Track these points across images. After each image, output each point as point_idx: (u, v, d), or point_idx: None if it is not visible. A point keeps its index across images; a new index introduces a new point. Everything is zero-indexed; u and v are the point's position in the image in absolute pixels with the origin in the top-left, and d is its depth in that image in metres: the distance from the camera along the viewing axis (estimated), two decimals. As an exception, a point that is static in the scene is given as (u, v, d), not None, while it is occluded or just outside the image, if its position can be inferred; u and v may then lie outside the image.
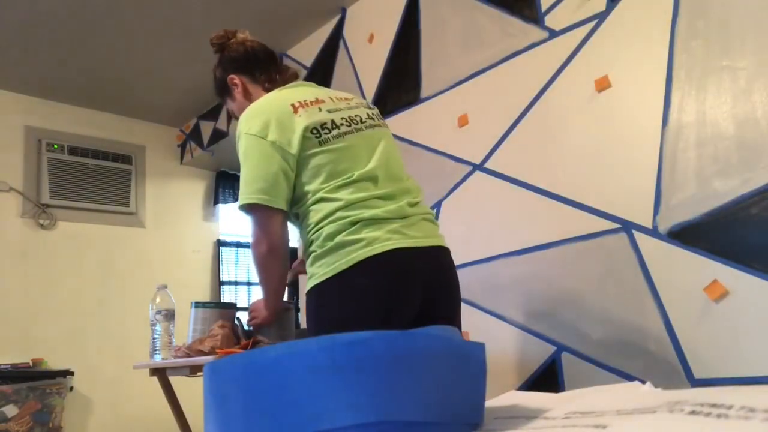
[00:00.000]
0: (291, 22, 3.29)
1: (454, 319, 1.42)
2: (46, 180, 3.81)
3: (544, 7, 2.23)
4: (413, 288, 1.28)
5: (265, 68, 1.65)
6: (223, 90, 1.81)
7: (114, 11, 3.03)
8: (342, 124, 1.38)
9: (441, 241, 1.40)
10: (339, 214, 1.29)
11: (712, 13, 1.75)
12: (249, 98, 1.63)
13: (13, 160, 3.76)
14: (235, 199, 4.86)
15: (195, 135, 4.47)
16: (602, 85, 2.03)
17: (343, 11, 3.20)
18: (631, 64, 1.96)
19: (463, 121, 2.49)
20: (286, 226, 1.41)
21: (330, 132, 1.34)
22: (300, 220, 1.40)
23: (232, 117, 1.80)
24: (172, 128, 4.64)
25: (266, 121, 1.34)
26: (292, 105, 1.38)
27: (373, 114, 1.49)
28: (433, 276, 1.34)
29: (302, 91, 1.46)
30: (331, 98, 1.45)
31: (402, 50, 2.82)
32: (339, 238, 1.27)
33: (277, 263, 1.43)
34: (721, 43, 1.72)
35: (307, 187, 1.34)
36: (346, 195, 1.30)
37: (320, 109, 1.38)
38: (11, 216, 3.70)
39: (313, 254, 1.32)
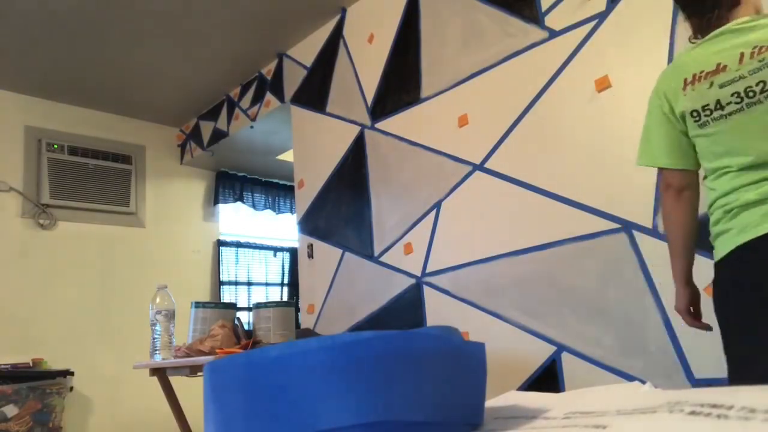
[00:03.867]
0: (291, 22, 3.29)
1: None
2: (46, 180, 3.81)
3: (544, 7, 2.23)
4: None
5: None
6: None
7: (114, 11, 3.03)
8: (729, 104, 1.24)
9: None
10: (719, 202, 1.28)
11: (712, 13, 1.75)
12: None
13: (13, 160, 3.76)
14: (235, 199, 4.87)
15: (195, 135, 4.47)
16: (602, 85, 2.03)
17: (343, 11, 3.21)
18: (631, 64, 1.96)
19: (463, 121, 2.49)
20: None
21: (712, 114, 1.26)
22: None
23: None
24: (172, 128, 4.65)
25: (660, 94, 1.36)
26: (684, 79, 1.30)
27: None
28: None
29: (714, 46, 1.29)
30: (741, 56, 1.24)
31: (402, 50, 2.82)
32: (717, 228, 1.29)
33: None
34: (721, 43, 1.71)
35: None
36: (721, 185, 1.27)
37: (711, 84, 1.26)
38: (11, 216, 3.70)
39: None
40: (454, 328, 0.46)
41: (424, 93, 2.69)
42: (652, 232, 1.84)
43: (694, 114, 1.28)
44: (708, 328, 1.43)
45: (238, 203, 4.93)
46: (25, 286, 3.65)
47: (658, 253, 1.82)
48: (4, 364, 3.35)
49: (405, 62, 2.80)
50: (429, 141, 2.63)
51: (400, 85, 2.81)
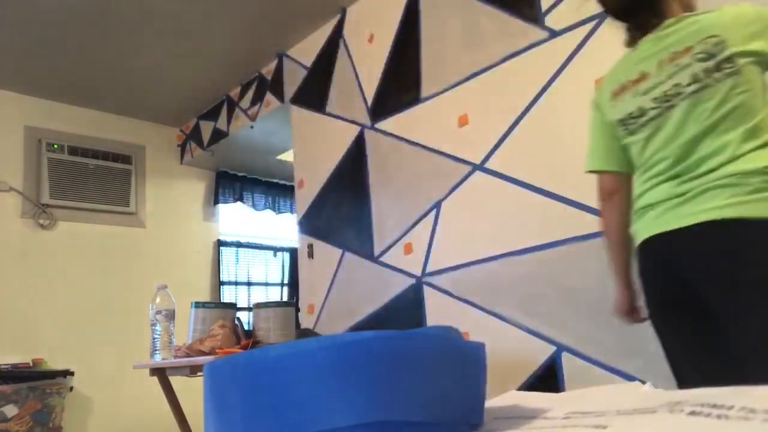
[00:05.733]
0: (291, 22, 3.29)
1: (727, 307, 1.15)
2: (46, 180, 3.81)
3: (544, 7, 2.23)
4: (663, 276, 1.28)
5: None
6: None
7: (114, 11, 3.03)
8: (651, 109, 1.27)
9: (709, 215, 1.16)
10: (636, 202, 1.35)
11: (712, 13, 1.75)
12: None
13: (13, 160, 3.76)
14: (235, 199, 4.87)
15: (195, 135, 4.47)
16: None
17: (343, 11, 3.21)
18: (631, 64, 1.95)
19: (463, 121, 2.49)
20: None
21: (637, 121, 1.30)
22: None
23: None
24: (172, 128, 4.65)
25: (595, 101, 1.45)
26: (612, 90, 1.36)
27: (703, 70, 1.19)
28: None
29: (641, 53, 1.31)
30: (660, 63, 1.26)
31: (402, 50, 2.82)
32: None
33: None
34: (721, 43, 1.71)
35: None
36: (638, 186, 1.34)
37: (635, 93, 1.30)
38: (11, 216, 3.70)
39: None
40: (455, 328, 0.46)
41: (424, 93, 2.69)
42: (652, 232, 1.84)
43: (622, 123, 1.33)
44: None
45: (238, 203, 4.93)
46: (25, 286, 3.65)
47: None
48: (4, 364, 3.35)
49: (405, 62, 2.80)
50: (429, 141, 2.63)
51: (400, 85, 2.81)
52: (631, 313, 1.46)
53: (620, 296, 1.46)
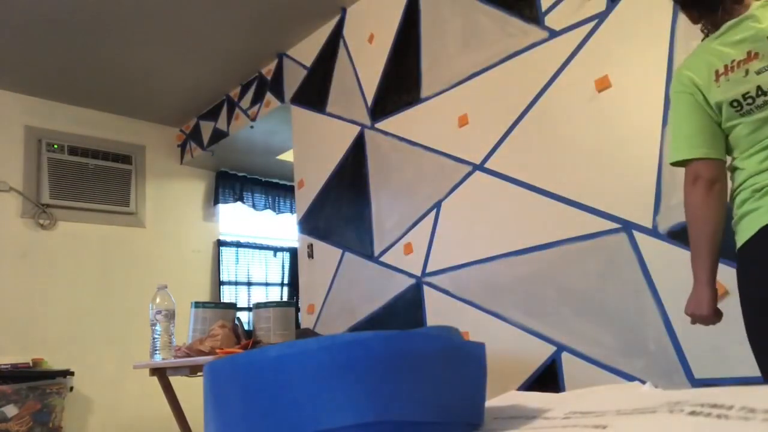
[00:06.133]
0: (291, 22, 3.29)
1: None
2: (46, 180, 3.81)
3: (544, 7, 2.23)
4: None
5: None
6: None
7: (114, 11, 3.03)
8: None
9: None
10: (747, 182, 1.24)
11: (712, 13, 1.74)
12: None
13: (13, 160, 3.76)
14: (235, 199, 4.87)
15: (195, 135, 4.47)
16: (602, 85, 2.03)
17: (343, 11, 3.21)
18: (631, 64, 1.96)
19: (463, 121, 2.49)
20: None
21: (755, 101, 1.22)
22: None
23: None
24: (172, 128, 4.65)
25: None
26: (716, 71, 1.26)
27: None
28: None
29: (736, 35, 1.26)
30: None
31: (402, 50, 2.82)
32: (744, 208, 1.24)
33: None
34: (721, 43, 1.71)
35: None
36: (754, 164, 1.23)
37: (747, 72, 1.23)
38: (11, 216, 3.70)
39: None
40: (454, 328, 0.46)
41: (424, 93, 2.69)
42: (652, 232, 1.84)
43: (735, 104, 1.24)
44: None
45: (238, 203, 4.93)
46: (25, 286, 3.65)
47: (658, 253, 1.82)
48: (4, 364, 3.35)
49: (405, 62, 2.80)
50: (429, 141, 2.63)
51: (400, 85, 2.81)
52: (717, 315, 1.32)
53: (706, 295, 1.30)
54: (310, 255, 3.27)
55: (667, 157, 1.39)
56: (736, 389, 0.32)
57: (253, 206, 5.02)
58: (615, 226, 1.94)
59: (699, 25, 1.37)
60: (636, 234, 1.88)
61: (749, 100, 1.22)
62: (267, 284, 5.14)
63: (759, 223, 1.18)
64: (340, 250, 3.06)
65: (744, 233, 1.23)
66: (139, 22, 3.16)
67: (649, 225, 1.85)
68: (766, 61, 1.21)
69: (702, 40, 1.35)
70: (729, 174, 1.31)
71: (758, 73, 1.21)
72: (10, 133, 3.78)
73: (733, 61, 1.24)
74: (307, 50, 3.45)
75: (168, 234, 4.41)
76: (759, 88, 1.21)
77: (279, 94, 3.63)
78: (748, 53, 1.22)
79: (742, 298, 1.24)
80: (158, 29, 3.24)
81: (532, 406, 0.45)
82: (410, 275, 2.65)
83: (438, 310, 2.51)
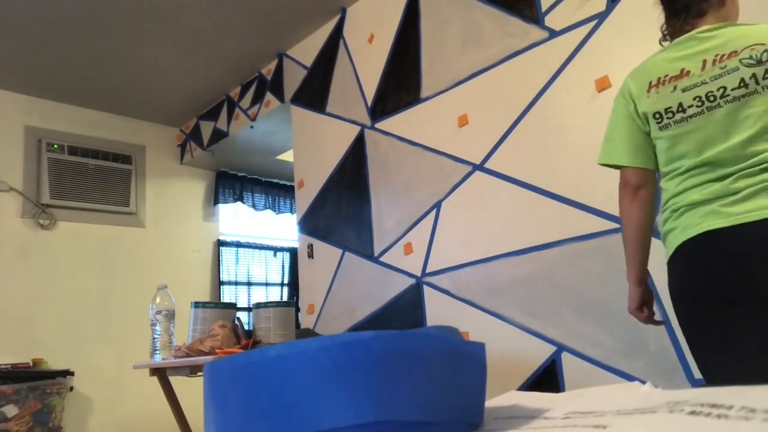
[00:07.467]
0: (291, 22, 3.29)
1: None
2: (46, 180, 3.81)
3: (544, 7, 2.23)
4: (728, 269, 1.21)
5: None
6: None
7: (114, 11, 3.03)
8: (690, 107, 1.27)
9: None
10: (669, 203, 1.32)
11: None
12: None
13: (13, 160, 3.76)
14: (235, 199, 4.87)
15: (195, 135, 4.47)
16: (602, 85, 2.03)
17: (343, 11, 3.21)
18: (631, 64, 1.95)
19: (463, 121, 2.49)
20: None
21: (674, 116, 1.29)
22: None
23: None
24: (172, 128, 4.65)
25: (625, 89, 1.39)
26: (649, 82, 1.33)
27: (750, 75, 1.22)
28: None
29: (679, 51, 1.32)
30: (703, 63, 1.27)
31: (402, 50, 2.82)
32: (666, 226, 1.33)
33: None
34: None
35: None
36: (673, 186, 1.31)
37: (675, 88, 1.29)
38: (11, 216, 3.70)
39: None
40: (454, 328, 0.46)
41: (424, 93, 2.69)
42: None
43: (657, 116, 1.31)
44: (662, 322, 1.49)
45: (238, 203, 4.93)
46: (25, 286, 3.65)
47: (657, 253, 1.82)
48: (4, 364, 3.35)
49: (405, 62, 2.80)
50: (429, 141, 2.63)
51: (400, 85, 2.81)
52: (642, 310, 1.44)
53: (632, 292, 1.43)
54: (310, 255, 3.27)
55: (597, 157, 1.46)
56: (736, 389, 0.32)
57: (253, 206, 5.03)
58: (615, 226, 1.94)
59: (663, 25, 1.42)
60: (636, 234, 1.88)
61: (669, 115, 1.30)
62: (267, 284, 5.14)
63: (675, 242, 1.29)
64: (340, 250, 3.06)
65: (668, 250, 1.33)
66: (139, 22, 3.16)
67: (649, 225, 1.85)
68: (695, 80, 1.27)
69: (660, 42, 1.41)
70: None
71: (684, 90, 1.28)
72: (10, 133, 3.78)
73: (666, 75, 1.31)
74: (307, 50, 3.45)
75: (168, 234, 4.41)
76: (680, 104, 1.28)
77: (279, 94, 3.63)
78: (681, 70, 1.30)
79: (673, 307, 1.34)
80: (158, 29, 3.24)
81: (532, 406, 0.45)
82: (410, 275, 2.65)
83: (438, 310, 2.51)
